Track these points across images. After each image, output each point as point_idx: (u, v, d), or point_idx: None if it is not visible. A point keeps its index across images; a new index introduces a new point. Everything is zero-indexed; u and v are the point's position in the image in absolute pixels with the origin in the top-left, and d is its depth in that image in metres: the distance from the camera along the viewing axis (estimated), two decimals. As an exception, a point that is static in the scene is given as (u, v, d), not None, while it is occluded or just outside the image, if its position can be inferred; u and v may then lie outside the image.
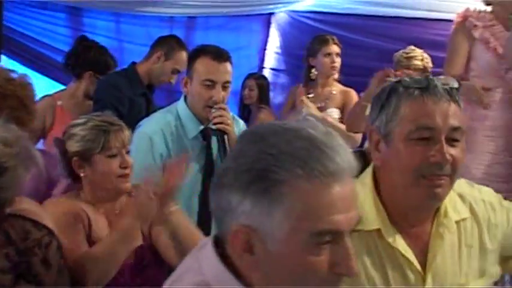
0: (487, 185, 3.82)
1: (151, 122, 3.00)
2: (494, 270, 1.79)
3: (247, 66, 5.51)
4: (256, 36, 5.78)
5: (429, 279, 1.67)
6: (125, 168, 2.37)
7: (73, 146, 2.36)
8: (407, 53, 3.99)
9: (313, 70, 4.18)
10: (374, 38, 5.09)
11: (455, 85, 1.64)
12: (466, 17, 3.90)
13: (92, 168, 2.36)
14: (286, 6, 5.46)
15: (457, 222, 1.73)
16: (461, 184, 1.80)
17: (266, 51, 5.69)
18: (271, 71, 5.64)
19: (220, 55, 2.95)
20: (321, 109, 4.14)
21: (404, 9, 5.21)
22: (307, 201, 1.15)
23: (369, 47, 5.01)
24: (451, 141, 1.61)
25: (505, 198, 3.85)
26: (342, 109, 4.19)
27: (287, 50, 5.61)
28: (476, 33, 3.84)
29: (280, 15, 5.55)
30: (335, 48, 4.15)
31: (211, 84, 2.91)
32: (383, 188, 1.67)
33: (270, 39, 5.68)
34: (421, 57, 4.06)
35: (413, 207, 1.65)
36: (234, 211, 1.17)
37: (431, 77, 1.65)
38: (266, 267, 1.18)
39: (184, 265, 1.33)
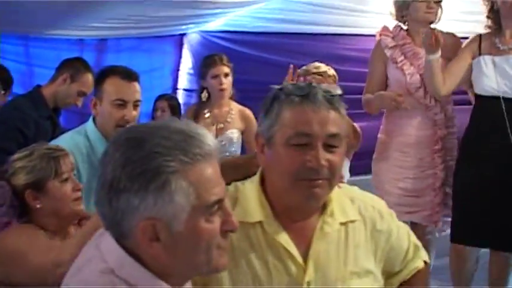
0: (400, 199, 3.94)
1: (59, 144, 2.95)
2: (380, 275, 1.88)
3: (160, 87, 5.50)
4: (169, 57, 5.77)
5: (310, 272, 1.74)
6: (78, 190, 2.41)
7: (22, 179, 2.33)
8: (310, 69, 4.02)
9: (204, 92, 4.19)
10: (284, 55, 5.13)
11: (338, 93, 1.72)
12: (381, 35, 4.02)
13: (47, 197, 2.34)
14: (198, 27, 5.48)
15: (345, 223, 1.82)
16: (354, 189, 1.94)
17: (179, 72, 5.68)
18: (185, 92, 5.63)
19: (129, 75, 2.97)
20: (221, 130, 4.17)
21: (314, 25, 5.30)
22: (197, 181, 1.34)
23: (279, 64, 5.04)
24: (329, 147, 1.69)
25: (416, 213, 3.94)
26: (243, 130, 4.25)
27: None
28: (388, 52, 3.94)
29: (192, 36, 5.56)
30: (223, 69, 4.16)
31: (122, 103, 2.91)
32: (268, 186, 1.77)
33: (182, 60, 5.67)
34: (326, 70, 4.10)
35: (293, 205, 1.74)
36: (137, 210, 1.31)
37: (313, 84, 1.72)
38: (173, 247, 1.34)
39: (83, 256, 1.43)
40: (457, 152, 3.87)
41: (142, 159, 1.31)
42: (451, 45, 3.83)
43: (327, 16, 5.26)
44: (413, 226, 4.00)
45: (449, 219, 3.89)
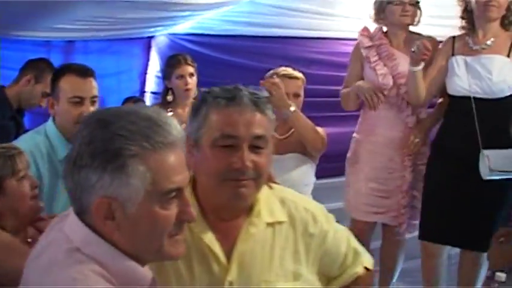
0: (369, 199, 3.97)
1: (19, 144, 2.92)
2: (312, 278, 1.89)
3: (128, 90, 5.45)
4: (137, 60, 5.73)
5: (232, 272, 1.78)
6: (35, 188, 2.41)
7: None
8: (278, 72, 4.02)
9: (169, 93, 4.17)
10: (252, 58, 5.14)
11: (264, 95, 1.80)
12: (360, 35, 4.07)
13: (5, 196, 2.32)
14: (166, 29, 5.45)
15: (272, 224, 1.86)
16: (287, 191, 2.01)
17: (147, 75, 5.65)
18: (152, 95, 5.60)
19: (84, 71, 2.98)
20: (184, 129, 4.16)
21: (281, 28, 5.30)
22: (156, 168, 1.40)
23: (248, 67, 5.06)
24: (255, 148, 1.75)
25: (383, 213, 3.97)
26: None
27: (167, 73, 5.59)
28: (364, 52, 3.99)
29: (161, 39, 5.53)
30: (188, 69, 4.15)
31: (79, 100, 2.92)
32: (197, 186, 1.81)
33: (150, 62, 5.64)
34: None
35: (221, 205, 1.79)
36: (94, 187, 1.38)
37: (240, 87, 1.77)
38: (127, 227, 1.40)
39: (45, 239, 1.49)
40: (429, 151, 3.91)
41: (105, 139, 1.38)
42: (434, 50, 3.86)
43: (294, 19, 5.26)
44: (384, 227, 4.05)
45: (417, 222, 3.93)
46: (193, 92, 4.18)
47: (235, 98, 1.74)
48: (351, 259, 2.02)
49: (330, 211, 4.47)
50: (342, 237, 2.01)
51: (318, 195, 4.09)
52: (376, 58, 3.99)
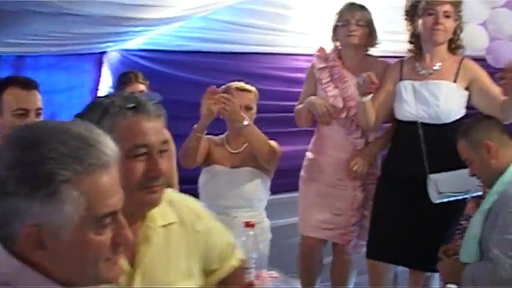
0: (320, 216, 4.01)
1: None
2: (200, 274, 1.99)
3: (79, 106, 5.24)
4: (89, 76, 5.67)
5: (138, 278, 1.82)
6: None
7: None
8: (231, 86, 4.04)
9: None
10: (205, 74, 5.13)
11: (159, 99, 1.86)
12: (315, 56, 4.12)
13: None
14: (118, 45, 5.42)
15: (165, 226, 1.93)
16: (171, 192, 2.05)
17: (98, 91, 5.60)
18: (104, 111, 5.54)
19: (28, 83, 3.00)
20: None
21: (234, 44, 5.32)
22: (90, 192, 1.29)
23: (200, 83, 5.02)
24: (161, 153, 1.82)
25: (332, 230, 3.99)
26: None
27: (119, 89, 5.55)
28: (317, 73, 4.04)
29: (112, 54, 5.49)
30: (138, 87, 4.18)
31: (24, 112, 2.95)
32: None
33: (102, 78, 5.60)
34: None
35: (129, 212, 1.74)
36: (22, 214, 1.25)
37: (137, 95, 1.83)
38: (59, 255, 1.29)
39: None
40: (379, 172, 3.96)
41: (33, 163, 1.26)
42: (383, 72, 3.94)
43: (247, 35, 5.29)
44: (334, 245, 4.08)
45: (365, 242, 3.98)
46: None
47: (141, 106, 1.77)
48: (228, 252, 2.13)
49: (284, 226, 4.51)
50: (220, 232, 2.12)
51: (272, 210, 4.12)
52: (327, 80, 4.04)
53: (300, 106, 4.14)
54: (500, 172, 3.04)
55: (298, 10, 5.19)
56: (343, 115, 3.98)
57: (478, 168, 3.17)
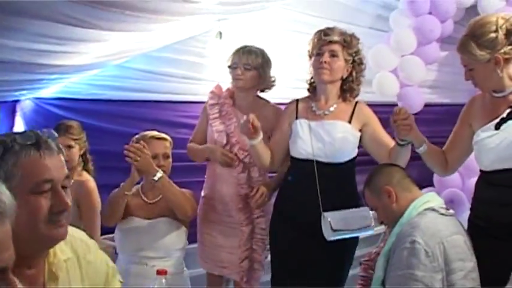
0: (212, 254, 4.12)
1: None
2: None
3: (-8, 155, 5.27)
4: (1, 125, 5.57)
5: None
6: None
7: None
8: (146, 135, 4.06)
9: None
10: (120, 123, 5.12)
11: (56, 136, 1.92)
12: (210, 92, 4.18)
13: None
14: (31, 93, 5.35)
15: (66, 261, 2.00)
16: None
17: (11, 140, 5.49)
18: (17, 160, 5.44)
19: None
20: None
21: (149, 92, 5.35)
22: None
23: (115, 132, 5.04)
24: (64, 188, 1.86)
25: (225, 268, 4.02)
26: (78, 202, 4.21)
27: (32, 138, 5.44)
28: (208, 109, 4.13)
29: (26, 103, 5.41)
30: (65, 141, 4.16)
31: None
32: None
33: (15, 127, 5.50)
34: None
35: (32, 253, 1.86)
36: None
37: (37, 131, 1.87)
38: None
39: None
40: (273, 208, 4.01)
41: None
42: (272, 116, 4.04)
43: (162, 83, 5.34)
44: (235, 281, 4.14)
45: (258, 275, 4.09)
46: (72, 163, 4.19)
47: (42, 143, 1.83)
48: (111, 276, 2.20)
49: (203, 275, 4.49)
50: (104, 258, 2.20)
51: (190, 259, 4.14)
52: (215, 116, 4.13)
53: (196, 146, 4.21)
54: (401, 215, 3.17)
55: (212, 58, 5.27)
56: (227, 151, 4.07)
57: (382, 214, 3.29)
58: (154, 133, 4.04)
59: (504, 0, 4.59)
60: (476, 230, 3.29)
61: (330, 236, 3.60)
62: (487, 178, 3.36)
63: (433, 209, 3.13)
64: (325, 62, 3.71)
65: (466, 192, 4.19)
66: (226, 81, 4.39)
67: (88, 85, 5.27)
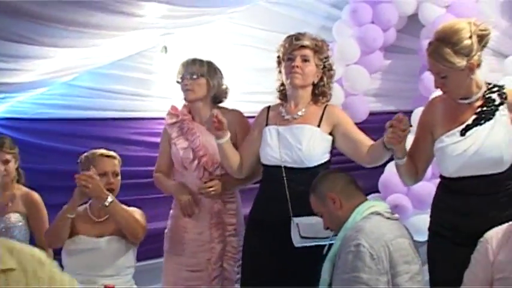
0: (182, 273, 4.03)
1: None
2: None
3: None
4: None
5: None
6: None
7: None
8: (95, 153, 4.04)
9: None
10: (69, 142, 5.08)
11: None
12: (167, 114, 4.17)
13: None
14: (-23, 114, 5.29)
15: (4, 272, 2.04)
16: (13, 242, 2.20)
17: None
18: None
19: None
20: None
21: (98, 110, 5.31)
22: None
23: (64, 151, 5.00)
24: None
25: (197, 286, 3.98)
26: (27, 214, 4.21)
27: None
28: (168, 130, 4.11)
29: (-27, 123, 5.35)
30: (2, 156, 4.18)
31: None
32: None
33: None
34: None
35: None
36: None
37: None
38: None
39: None
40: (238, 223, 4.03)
41: None
42: (235, 120, 4.02)
43: (110, 101, 5.32)
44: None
45: None
46: (11, 177, 4.17)
47: None
48: None
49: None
50: (58, 272, 2.21)
51: (140, 277, 4.11)
52: (177, 134, 4.11)
53: (165, 181, 4.19)
54: (345, 221, 3.20)
55: (160, 74, 5.27)
56: (194, 166, 4.05)
57: (327, 220, 3.32)
58: (103, 151, 4.03)
59: (444, 8, 4.66)
60: (439, 240, 3.32)
61: (297, 243, 3.59)
62: (450, 186, 3.38)
63: (378, 213, 3.18)
64: (297, 66, 3.71)
65: (411, 197, 4.25)
66: (174, 97, 4.40)
67: (35, 104, 5.23)
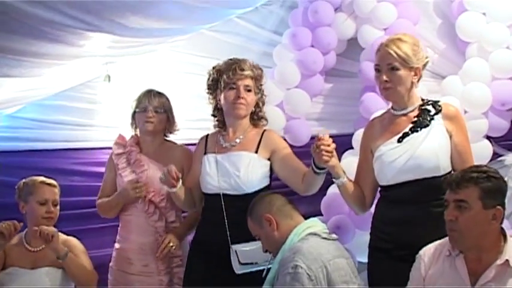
0: None
1: None
2: None
3: None
4: None
5: None
6: None
7: None
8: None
9: None
10: (13, 174, 4.99)
11: None
12: (115, 143, 4.16)
13: None
14: None
15: None
16: None
17: None
18: None
19: None
20: None
21: (42, 141, 5.31)
22: None
23: (8, 184, 4.93)
24: None
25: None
26: None
27: None
28: (115, 159, 4.10)
29: None
30: None
31: None
32: None
33: None
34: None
35: None
36: None
37: None
38: None
39: None
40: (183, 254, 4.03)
41: None
42: (181, 156, 4.10)
43: (54, 131, 5.31)
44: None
45: None
46: None
47: None
48: None
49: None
50: None
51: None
52: (124, 165, 4.12)
53: (106, 200, 4.18)
54: (283, 242, 3.23)
55: (104, 104, 5.28)
56: (140, 200, 4.05)
57: (265, 242, 3.36)
58: (43, 178, 4.02)
59: (383, 30, 4.75)
60: (379, 256, 3.38)
61: (238, 270, 3.62)
62: (388, 195, 3.48)
63: (315, 234, 3.21)
64: (242, 97, 3.76)
65: (353, 218, 4.29)
66: (118, 126, 4.41)
67: (-21, 138, 5.19)
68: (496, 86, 4.40)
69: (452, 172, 3.36)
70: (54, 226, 3.92)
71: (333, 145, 3.39)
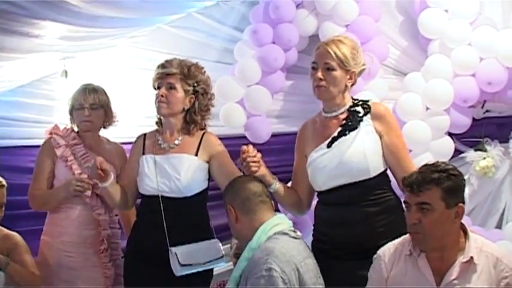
0: None
1: None
2: None
3: None
4: None
5: None
6: None
7: None
8: None
9: None
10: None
11: None
12: (51, 134, 4.07)
13: None
14: None
15: None
16: None
17: None
18: None
19: None
20: None
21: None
22: None
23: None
24: None
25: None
26: None
27: None
28: (59, 151, 4.00)
29: None
30: None
31: None
32: None
33: None
34: None
35: None
36: None
37: None
38: None
39: None
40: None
41: None
42: (116, 152, 4.14)
43: (11, 129, 5.24)
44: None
45: None
46: None
47: None
48: None
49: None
50: None
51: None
52: (72, 157, 4.04)
53: (46, 192, 4.10)
54: (248, 238, 3.17)
55: (61, 101, 5.16)
56: (89, 192, 3.98)
57: (232, 230, 3.32)
58: None
59: (344, 27, 4.73)
60: (319, 254, 3.34)
61: (178, 271, 3.57)
62: (323, 199, 3.49)
63: (284, 233, 3.16)
64: (162, 95, 3.69)
65: (309, 214, 4.26)
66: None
67: None
68: (458, 82, 4.42)
69: (389, 171, 3.43)
70: (3, 226, 3.83)
71: (259, 155, 3.42)
